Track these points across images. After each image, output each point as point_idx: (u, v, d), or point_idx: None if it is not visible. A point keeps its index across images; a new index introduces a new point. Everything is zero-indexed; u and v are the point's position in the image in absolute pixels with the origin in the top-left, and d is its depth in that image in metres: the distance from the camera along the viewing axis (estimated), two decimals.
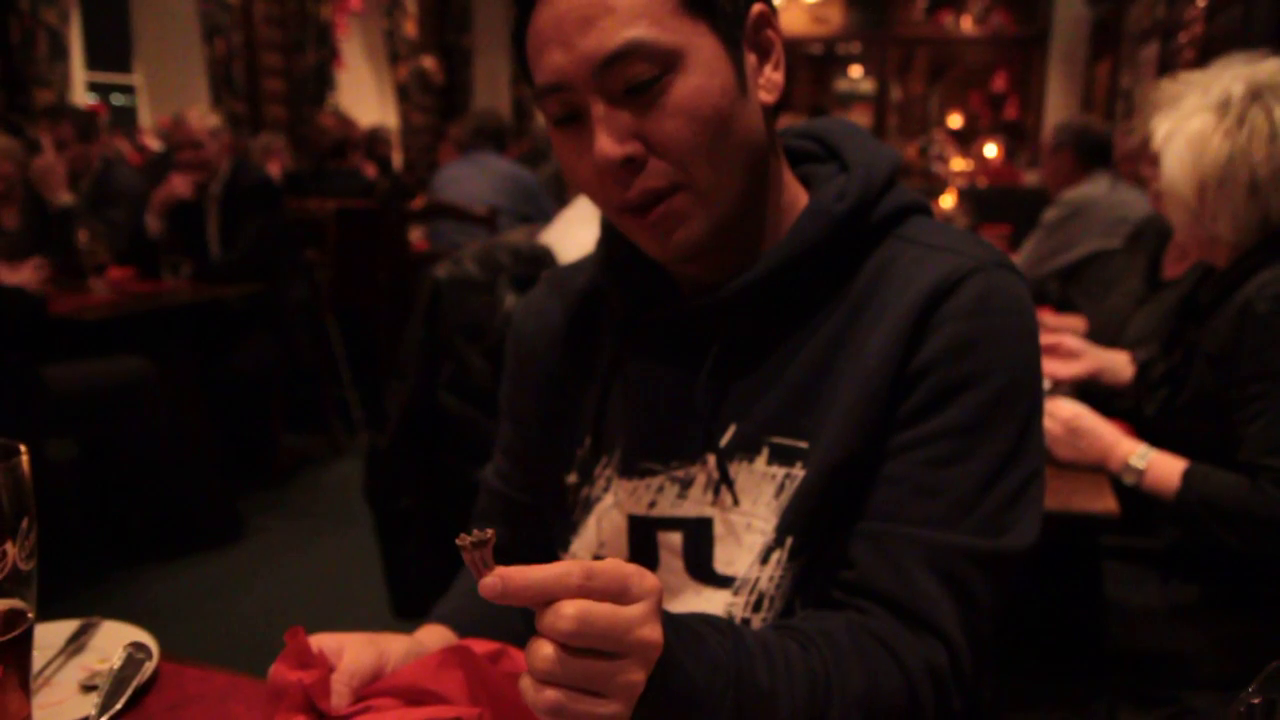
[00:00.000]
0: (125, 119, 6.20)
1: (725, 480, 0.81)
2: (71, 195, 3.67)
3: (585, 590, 0.54)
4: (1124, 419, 1.62)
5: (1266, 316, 1.33)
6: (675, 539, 0.84)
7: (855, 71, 10.83)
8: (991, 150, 8.59)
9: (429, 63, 8.32)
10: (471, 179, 4.12)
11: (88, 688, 0.80)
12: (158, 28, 5.92)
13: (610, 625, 0.54)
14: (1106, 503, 1.36)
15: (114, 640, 0.85)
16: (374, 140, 6.28)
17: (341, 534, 3.25)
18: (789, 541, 0.78)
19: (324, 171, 5.05)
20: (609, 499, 0.88)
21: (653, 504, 0.85)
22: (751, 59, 0.78)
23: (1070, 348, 1.86)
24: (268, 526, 3.40)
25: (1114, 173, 3.50)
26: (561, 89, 0.74)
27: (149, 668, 0.81)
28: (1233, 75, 1.44)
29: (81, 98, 5.32)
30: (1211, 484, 1.35)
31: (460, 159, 4.51)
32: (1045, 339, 1.78)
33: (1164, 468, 1.39)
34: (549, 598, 0.54)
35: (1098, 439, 1.46)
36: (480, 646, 0.77)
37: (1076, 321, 2.60)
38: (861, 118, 9.55)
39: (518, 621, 0.91)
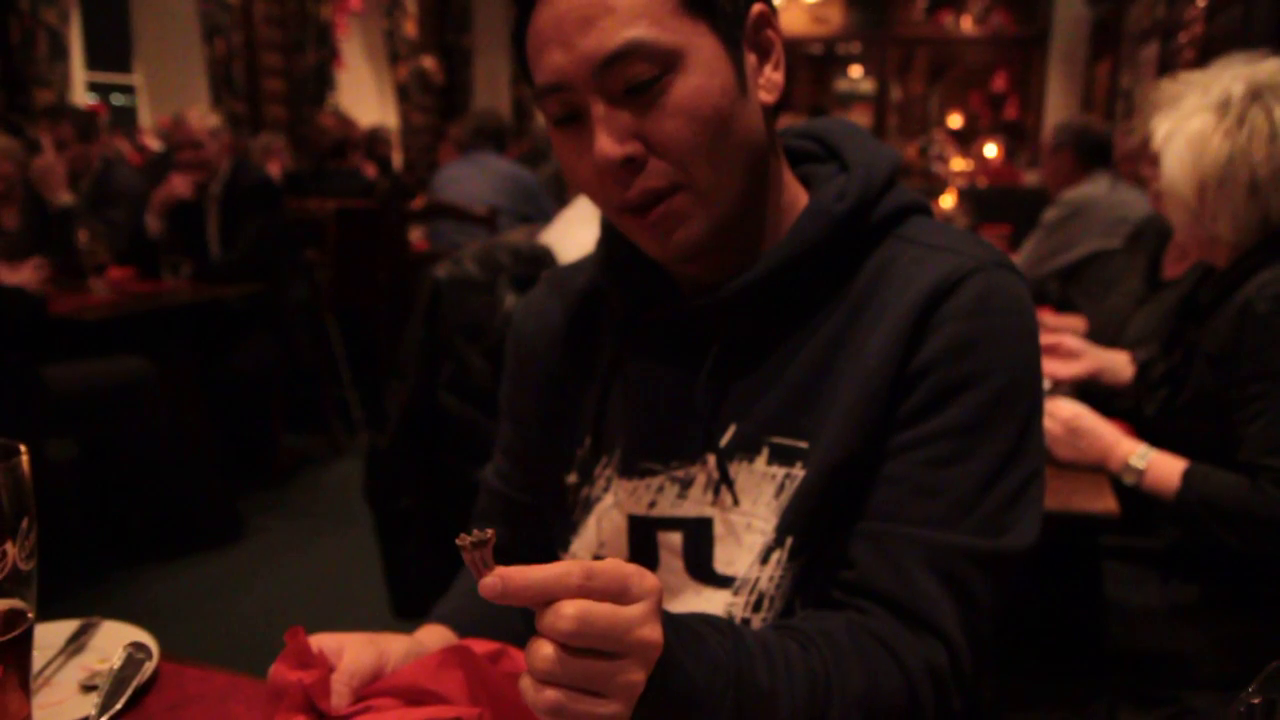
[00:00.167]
0: (125, 119, 6.20)
1: (725, 480, 0.81)
2: (71, 195, 3.67)
3: (585, 590, 0.54)
4: (1124, 419, 1.62)
5: (1266, 316, 1.33)
6: (675, 539, 0.84)
7: (855, 71, 10.84)
8: (991, 150, 8.59)
9: (429, 63, 8.32)
10: (471, 179, 4.12)
11: (88, 688, 0.80)
12: (158, 28, 5.92)
13: (610, 625, 0.54)
14: (1106, 503, 1.36)
15: (114, 640, 0.85)
16: (374, 140, 6.28)
17: (341, 534, 3.25)
18: (789, 541, 0.78)
19: (324, 171, 5.05)
20: (609, 499, 0.88)
21: (653, 504, 0.85)
22: (751, 59, 0.78)
23: (1070, 348, 1.86)
24: (268, 526, 3.40)
25: (1114, 173, 3.50)
26: (561, 89, 0.74)
27: (149, 668, 0.81)
28: (1233, 75, 1.44)
29: (81, 98, 5.32)
30: (1211, 484, 1.35)
31: (460, 159, 4.50)
32: (1045, 339, 1.79)
33: (1164, 468, 1.40)
34: (549, 598, 0.54)
35: (1098, 439, 1.46)
36: (480, 646, 0.77)
37: (1076, 321, 2.59)
38: (861, 118, 9.56)
39: (518, 621, 0.91)
